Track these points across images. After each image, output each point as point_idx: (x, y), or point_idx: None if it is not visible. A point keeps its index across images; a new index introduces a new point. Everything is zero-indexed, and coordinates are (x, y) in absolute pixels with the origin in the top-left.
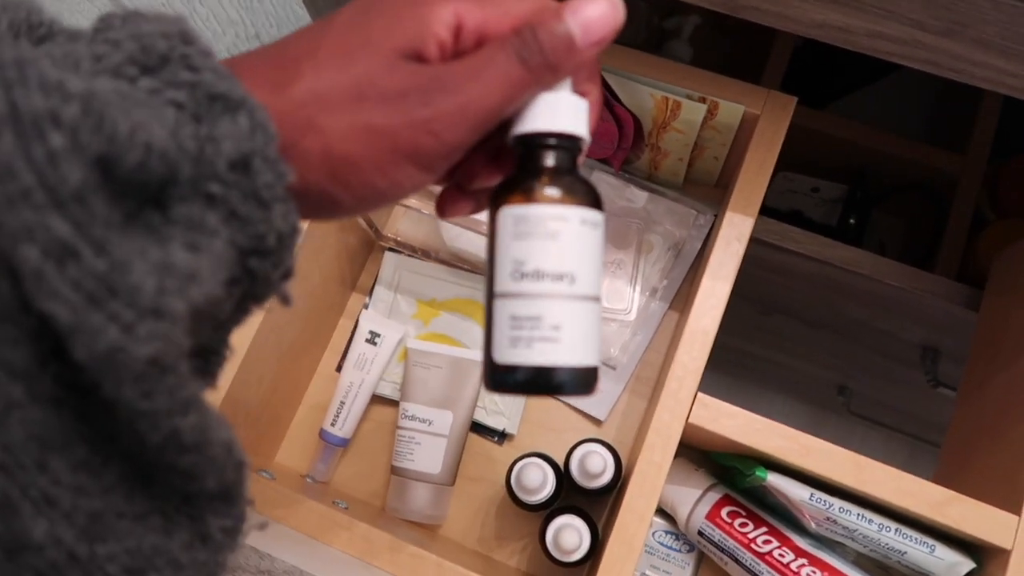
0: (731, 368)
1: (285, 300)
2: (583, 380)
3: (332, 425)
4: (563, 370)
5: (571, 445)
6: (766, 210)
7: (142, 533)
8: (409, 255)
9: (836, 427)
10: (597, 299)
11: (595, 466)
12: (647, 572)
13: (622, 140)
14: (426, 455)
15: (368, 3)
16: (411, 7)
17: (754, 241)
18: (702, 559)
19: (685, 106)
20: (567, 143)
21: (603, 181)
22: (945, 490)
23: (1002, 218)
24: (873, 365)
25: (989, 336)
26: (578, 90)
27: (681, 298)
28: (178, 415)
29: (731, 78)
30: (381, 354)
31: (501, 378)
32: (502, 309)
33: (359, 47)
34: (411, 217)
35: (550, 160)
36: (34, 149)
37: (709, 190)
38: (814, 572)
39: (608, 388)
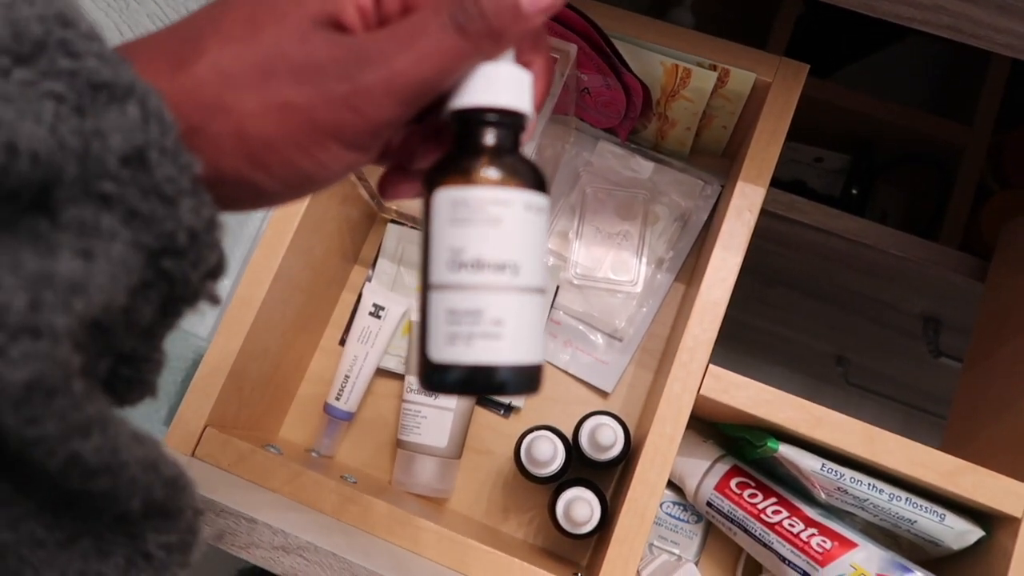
0: (727, 339)
1: (214, 300)
2: (527, 379)
3: (337, 399)
4: (505, 369)
5: (577, 418)
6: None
7: (67, 560)
8: (412, 227)
9: (833, 398)
10: (542, 291)
11: (606, 438)
12: (655, 543)
13: (630, 109)
14: (432, 429)
15: None
16: None
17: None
18: (710, 530)
19: (695, 74)
20: (509, 120)
21: (608, 151)
22: (956, 459)
23: (1006, 189)
24: (873, 336)
25: (996, 307)
26: (521, 60)
27: (687, 269)
28: (76, 439)
29: (742, 45)
30: (385, 327)
31: (438, 378)
32: (438, 302)
33: (266, 15)
34: None
35: (491, 138)
36: None
37: (715, 160)
38: (824, 541)
39: (615, 360)
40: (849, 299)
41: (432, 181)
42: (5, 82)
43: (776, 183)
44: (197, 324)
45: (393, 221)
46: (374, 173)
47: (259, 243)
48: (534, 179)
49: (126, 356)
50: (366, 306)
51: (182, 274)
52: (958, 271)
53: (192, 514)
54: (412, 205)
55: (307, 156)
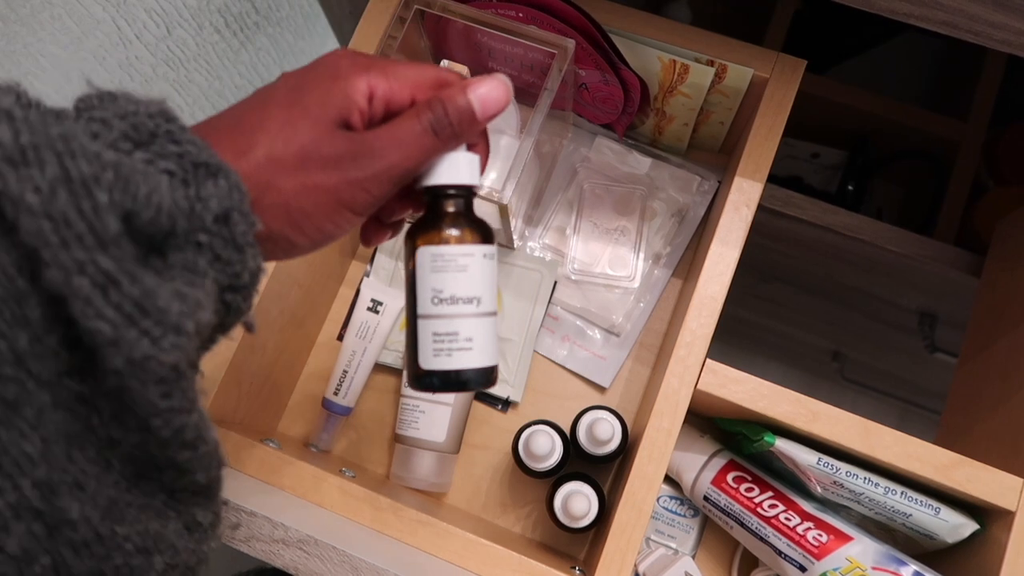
0: (725, 335)
1: (250, 328)
2: (489, 377)
3: (335, 394)
4: (475, 371)
5: (575, 413)
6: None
7: (146, 520)
8: (410, 222)
9: (828, 393)
10: (495, 313)
11: (604, 433)
12: (652, 537)
13: (628, 104)
14: (430, 423)
15: (299, 80)
16: (336, 82)
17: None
18: (707, 524)
19: (693, 69)
20: (467, 192)
21: (606, 147)
22: (951, 453)
23: (1001, 185)
24: (869, 331)
25: (991, 302)
26: (470, 146)
27: (684, 265)
28: (185, 413)
29: (739, 41)
30: (383, 322)
31: (426, 380)
32: (425, 327)
33: (301, 119)
34: None
35: (458, 207)
36: (84, 204)
37: (712, 156)
38: (820, 535)
39: (612, 355)
40: (845, 294)
41: (414, 239)
42: (131, 159)
43: (773, 179)
44: None
45: None
46: None
47: None
48: (487, 234)
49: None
50: (364, 301)
51: (237, 305)
52: (953, 267)
53: (223, 500)
54: None
55: (331, 222)
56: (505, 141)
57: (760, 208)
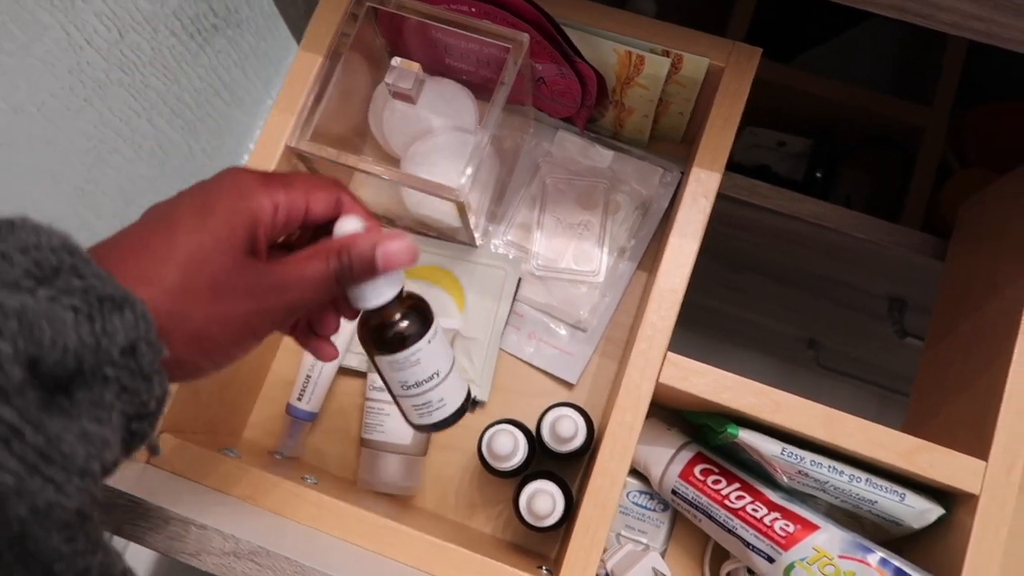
0: (700, 326)
1: (154, 451)
2: (463, 411)
3: (299, 399)
4: (454, 415)
5: (542, 410)
6: (732, 166)
7: None
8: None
9: (806, 381)
10: (453, 366)
11: (566, 430)
12: (622, 532)
13: (586, 97)
14: (396, 426)
15: (204, 200)
16: (241, 201)
17: (721, 197)
18: (677, 517)
19: (648, 60)
20: (396, 303)
21: (568, 141)
22: (914, 439)
23: (966, 168)
24: (841, 319)
25: (955, 285)
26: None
27: (650, 257)
28: (90, 554)
29: (695, 31)
30: (347, 326)
31: (422, 430)
32: (406, 403)
33: (211, 247)
34: (372, 184)
35: (392, 315)
36: None
37: (675, 147)
38: (787, 525)
39: (579, 351)
40: (815, 282)
41: (370, 349)
42: (33, 299)
43: (740, 168)
44: None
45: None
46: (338, 170)
47: None
48: (427, 319)
49: None
50: None
51: (143, 431)
52: (919, 251)
53: None
54: (371, 201)
55: (238, 347)
56: (463, 138)
57: (726, 198)
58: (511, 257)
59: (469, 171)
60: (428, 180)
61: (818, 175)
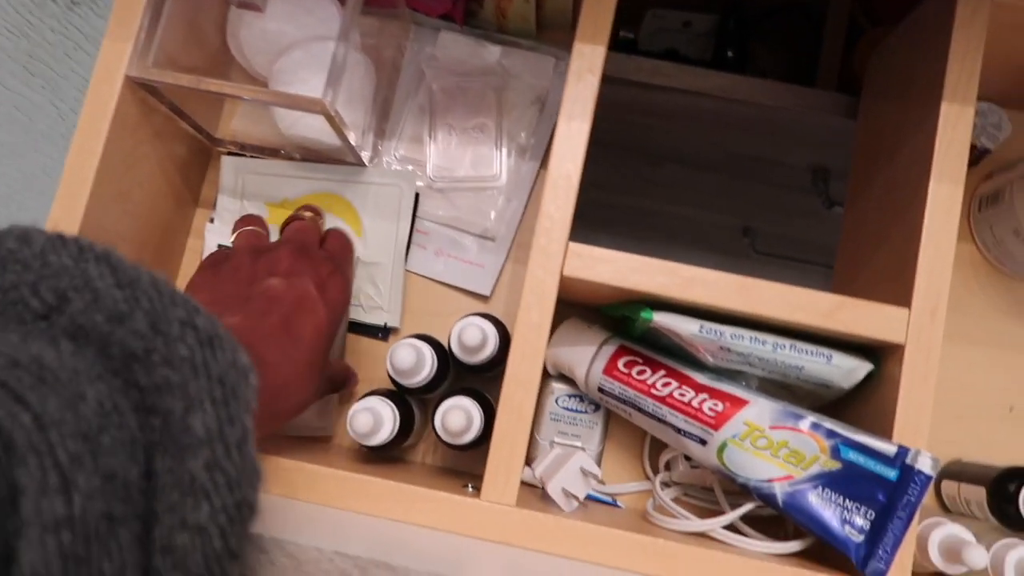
0: (629, 229)
1: None
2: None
3: None
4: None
5: None
6: (638, 53)
7: None
8: (251, 156)
9: (746, 271)
10: None
11: (472, 338)
12: (555, 439)
13: None
14: None
15: None
16: None
17: (625, 83)
18: (609, 416)
19: None
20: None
21: (451, 41)
22: (834, 296)
23: (877, 25)
24: (769, 198)
25: (868, 141)
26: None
27: None
28: None
29: None
30: None
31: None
32: None
33: None
34: (246, 113)
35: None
36: None
37: (565, 34)
38: (716, 404)
39: (489, 261)
40: (737, 163)
41: None
42: None
43: (648, 54)
44: None
45: (229, 153)
46: (200, 102)
47: (56, 197)
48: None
49: None
50: (211, 249)
51: None
52: (833, 113)
53: None
54: (246, 131)
55: None
56: (327, 47)
57: (629, 83)
58: (406, 171)
59: (333, 81)
60: (288, 94)
61: (729, 54)
